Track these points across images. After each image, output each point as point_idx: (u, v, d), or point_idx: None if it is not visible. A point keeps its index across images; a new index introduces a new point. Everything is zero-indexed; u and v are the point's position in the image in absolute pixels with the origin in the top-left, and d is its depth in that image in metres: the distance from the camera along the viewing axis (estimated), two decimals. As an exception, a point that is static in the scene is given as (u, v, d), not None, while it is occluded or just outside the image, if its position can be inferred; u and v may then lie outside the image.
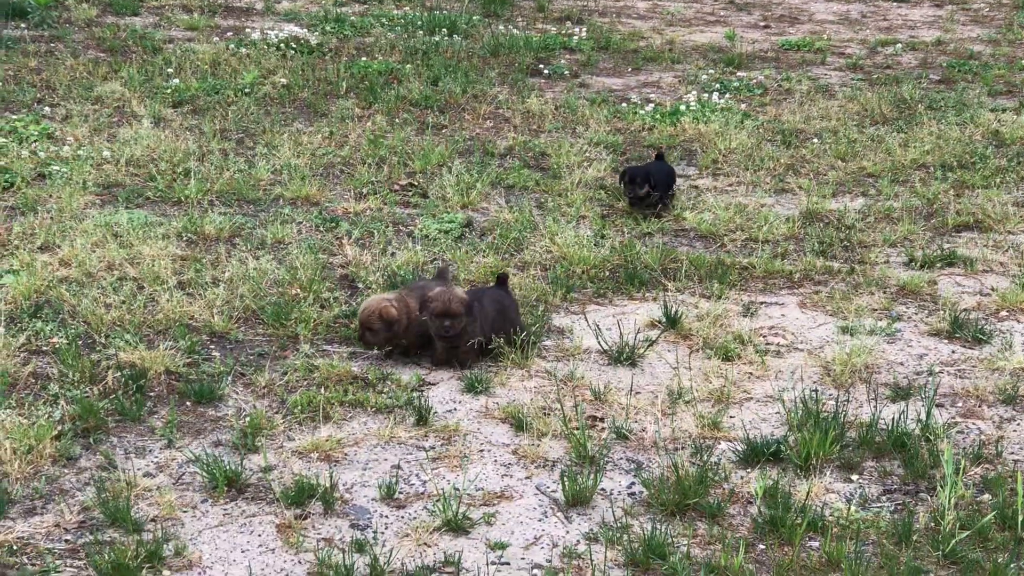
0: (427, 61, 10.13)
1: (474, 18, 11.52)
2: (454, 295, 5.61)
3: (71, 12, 11.20)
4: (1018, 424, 5.46)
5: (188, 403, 5.43)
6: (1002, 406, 5.61)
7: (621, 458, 5.20)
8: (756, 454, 5.20)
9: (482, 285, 5.90)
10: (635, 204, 7.36)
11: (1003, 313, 6.54)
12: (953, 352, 6.12)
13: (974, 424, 5.46)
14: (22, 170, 7.65)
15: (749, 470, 5.13)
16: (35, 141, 8.15)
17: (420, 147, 8.29)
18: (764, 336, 6.26)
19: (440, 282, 5.99)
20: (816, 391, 5.60)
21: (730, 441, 5.35)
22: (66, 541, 4.57)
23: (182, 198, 7.42)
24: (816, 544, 4.62)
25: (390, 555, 4.49)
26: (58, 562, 4.45)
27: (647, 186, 7.27)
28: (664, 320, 6.30)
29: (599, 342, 6.06)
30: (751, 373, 5.88)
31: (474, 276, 6.61)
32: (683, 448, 5.26)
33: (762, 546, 4.65)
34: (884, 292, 6.73)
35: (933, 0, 12.99)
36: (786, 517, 4.68)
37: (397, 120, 8.88)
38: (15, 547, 4.51)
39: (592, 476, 4.94)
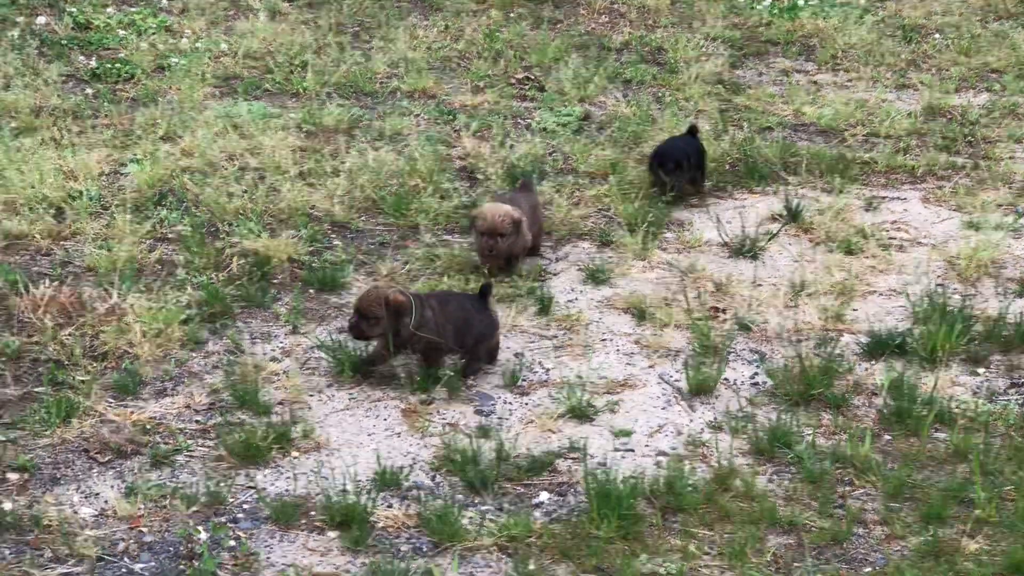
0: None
1: None
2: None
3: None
4: None
5: (311, 291, 5.49)
6: None
7: (743, 349, 5.22)
8: (880, 346, 5.21)
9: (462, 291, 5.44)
10: (665, 188, 6.58)
11: None
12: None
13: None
14: (142, 62, 7.72)
15: (873, 362, 5.14)
16: (153, 34, 8.20)
17: (536, 41, 8.28)
18: (887, 230, 6.22)
19: (525, 194, 5.93)
20: (941, 285, 5.56)
21: (853, 334, 5.35)
22: (196, 422, 4.68)
23: (300, 90, 7.47)
24: (943, 436, 4.63)
25: (515, 440, 4.54)
26: (189, 441, 4.55)
27: (677, 170, 6.52)
28: (785, 213, 6.26)
29: (720, 234, 6.04)
30: (874, 267, 5.86)
31: (593, 168, 6.59)
32: (806, 340, 5.24)
33: (888, 437, 4.67)
34: (1009, 188, 6.66)
35: None
36: (912, 409, 4.70)
37: (512, 14, 8.84)
38: (148, 426, 4.61)
39: (715, 366, 4.96)
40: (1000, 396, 4.90)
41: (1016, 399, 4.88)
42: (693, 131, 6.68)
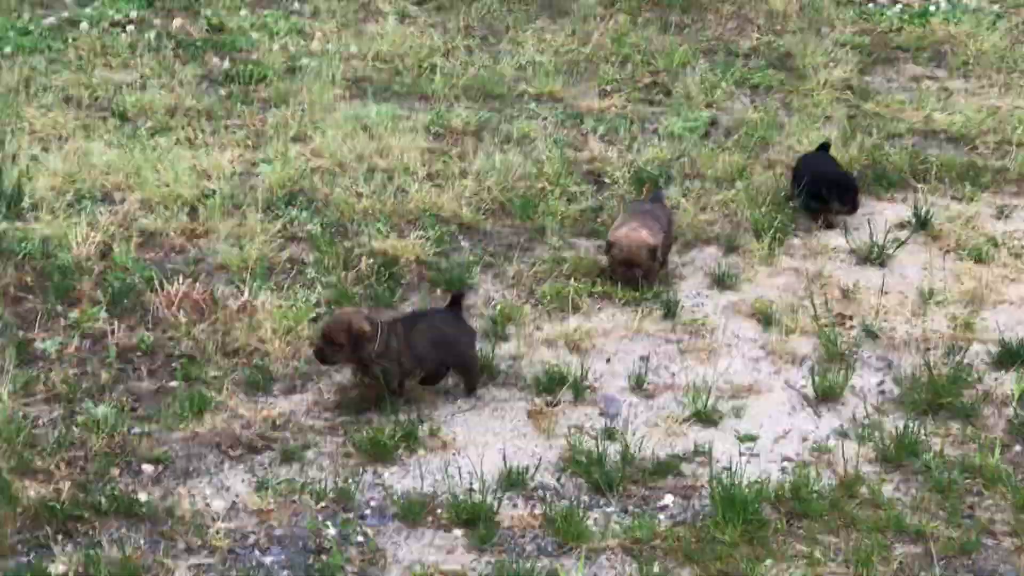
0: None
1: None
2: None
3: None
4: None
5: (438, 291, 5.50)
6: None
7: (871, 356, 5.20)
8: (1011, 356, 5.16)
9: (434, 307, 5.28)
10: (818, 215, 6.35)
11: None
12: None
13: None
14: (273, 64, 7.79)
15: (1004, 372, 5.08)
16: (285, 36, 8.27)
17: (663, 46, 8.25)
18: (1019, 239, 6.11)
19: (656, 205, 5.88)
20: (1077, 294, 5.52)
21: (983, 343, 5.28)
22: (325, 419, 4.71)
23: (428, 93, 7.49)
24: (1076, 447, 4.58)
25: (640, 443, 4.55)
26: (318, 438, 4.59)
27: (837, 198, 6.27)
28: (914, 221, 6.18)
29: (847, 241, 6.00)
30: (1005, 276, 5.79)
31: (720, 173, 6.57)
32: (934, 348, 5.20)
33: (1018, 448, 4.62)
34: None
35: None
36: (1044, 420, 4.65)
37: (640, 19, 8.80)
38: (277, 422, 4.67)
39: (842, 373, 4.94)
40: None
41: None
42: (826, 147, 6.55)
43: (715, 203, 6.28)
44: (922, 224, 6.13)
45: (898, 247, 5.94)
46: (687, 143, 6.89)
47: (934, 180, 6.58)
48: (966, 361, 5.07)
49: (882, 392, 4.94)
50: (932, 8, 9.03)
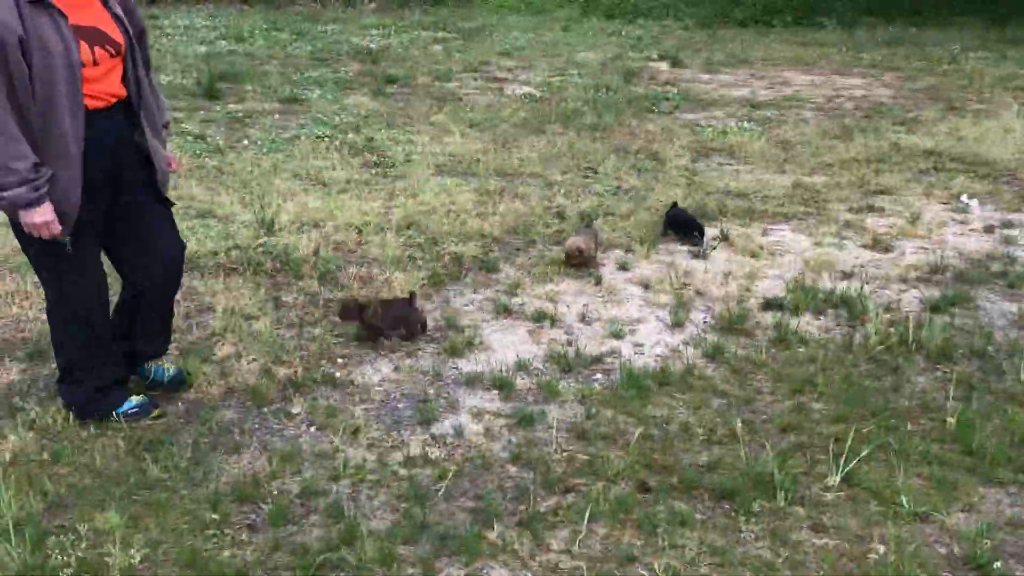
0: (595, 105, 9.97)
1: (620, 81, 11.27)
2: (352, 298, 4.73)
3: (418, 81, 11.25)
4: None
5: (483, 272, 5.50)
6: None
7: (700, 305, 5.08)
8: (770, 305, 5.00)
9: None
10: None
11: None
12: None
13: None
14: (397, 157, 7.77)
15: (766, 313, 5.00)
16: (403, 143, 8.27)
17: (593, 149, 8.18)
18: (775, 247, 6.01)
19: (588, 228, 5.80)
20: None
21: (756, 298, 5.14)
22: (427, 334, 4.71)
23: (475, 172, 7.44)
24: None
25: (585, 347, 4.56)
26: (425, 344, 4.57)
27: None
28: (720, 236, 5.99)
29: (687, 248, 5.93)
30: (767, 265, 5.62)
31: (622, 212, 6.50)
32: (731, 301, 5.09)
33: (774, 351, 4.58)
34: None
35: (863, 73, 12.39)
36: None
37: (580, 135, 8.74)
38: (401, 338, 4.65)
39: (685, 313, 4.93)
40: None
41: None
42: (675, 204, 6.24)
43: (619, 227, 6.23)
44: (724, 238, 6.02)
45: (712, 250, 5.86)
46: (605, 198, 6.85)
47: (730, 215, 6.50)
48: (747, 307, 5.05)
49: (705, 323, 4.89)
50: (727, 129, 8.99)
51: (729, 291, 5.28)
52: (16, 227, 3.31)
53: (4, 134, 3.03)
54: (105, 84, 3.30)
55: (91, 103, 3.24)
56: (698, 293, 5.25)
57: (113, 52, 3.30)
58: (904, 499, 3.29)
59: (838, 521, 3.22)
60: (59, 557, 2.84)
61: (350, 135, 8.44)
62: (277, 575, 2.92)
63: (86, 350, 3.62)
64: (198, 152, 7.73)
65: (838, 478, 3.41)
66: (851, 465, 3.46)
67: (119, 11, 3.37)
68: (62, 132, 3.13)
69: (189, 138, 8.21)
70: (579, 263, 5.50)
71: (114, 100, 3.36)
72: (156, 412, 3.78)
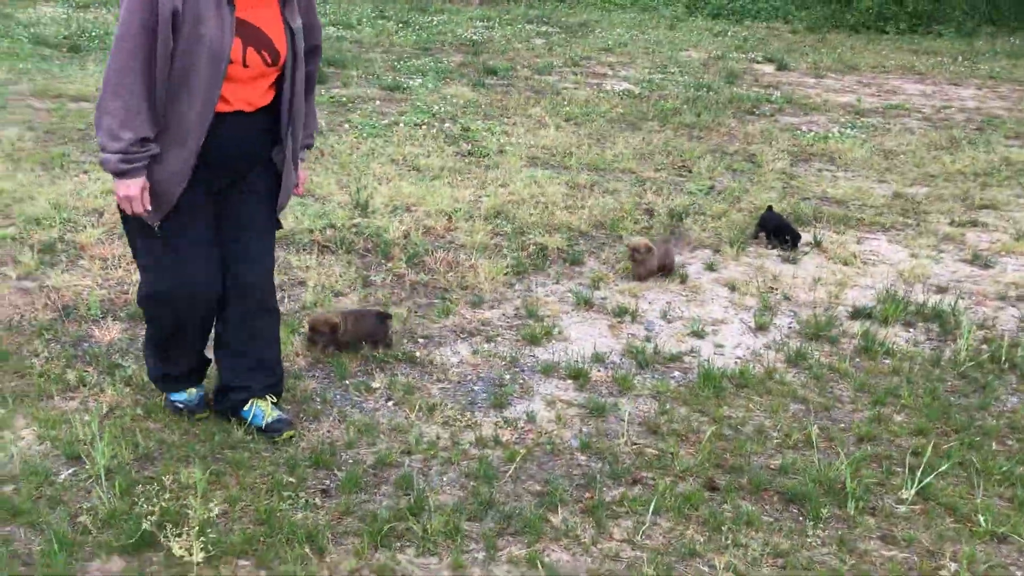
0: (694, 104, 9.91)
1: (722, 82, 11.16)
2: (323, 317, 4.25)
3: (518, 73, 11.33)
4: None
5: (567, 264, 5.53)
6: None
7: (786, 309, 5.02)
8: (858, 313, 4.93)
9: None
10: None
11: None
12: None
13: None
14: (491, 147, 7.86)
15: (854, 321, 4.90)
16: (498, 134, 8.35)
17: (688, 148, 8.14)
18: (867, 255, 5.87)
19: (671, 236, 5.73)
20: None
21: (844, 306, 5.07)
22: (506, 322, 4.76)
23: (567, 166, 7.48)
24: None
25: (664, 345, 4.56)
26: (504, 331, 4.64)
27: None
28: (813, 242, 5.88)
29: (778, 251, 5.85)
30: (858, 272, 5.52)
31: (712, 212, 6.44)
32: (818, 307, 5.03)
33: (858, 359, 4.50)
34: None
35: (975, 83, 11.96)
36: None
37: (676, 133, 8.71)
38: (484, 322, 4.72)
39: (769, 316, 4.87)
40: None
41: None
42: (771, 208, 6.09)
43: (709, 227, 6.20)
44: (817, 244, 5.94)
45: (804, 255, 5.80)
46: (697, 197, 6.81)
47: (825, 222, 6.41)
48: (834, 315, 4.97)
49: (791, 327, 4.84)
50: (828, 134, 8.82)
51: (817, 297, 5.20)
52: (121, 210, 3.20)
53: (126, 101, 2.91)
54: (249, 90, 3.11)
55: (224, 106, 3.08)
56: (785, 298, 5.19)
57: (269, 61, 3.10)
58: (982, 518, 3.21)
59: (909, 534, 3.16)
60: (144, 505, 3.01)
61: (447, 124, 8.58)
62: (345, 539, 3.03)
63: (165, 344, 3.48)
64: (300, 133, 7.96)
65: (913, 491, 3.34)
66: (928, 479, 3.38)
67: (296, 23, 3.15)
68: (186, 121, 3.00)
69: (292, 119, 8.46)
70: (640, 264, 5.22)
71: (254, 109, 3.16)
72: (201, 415, 3.60)
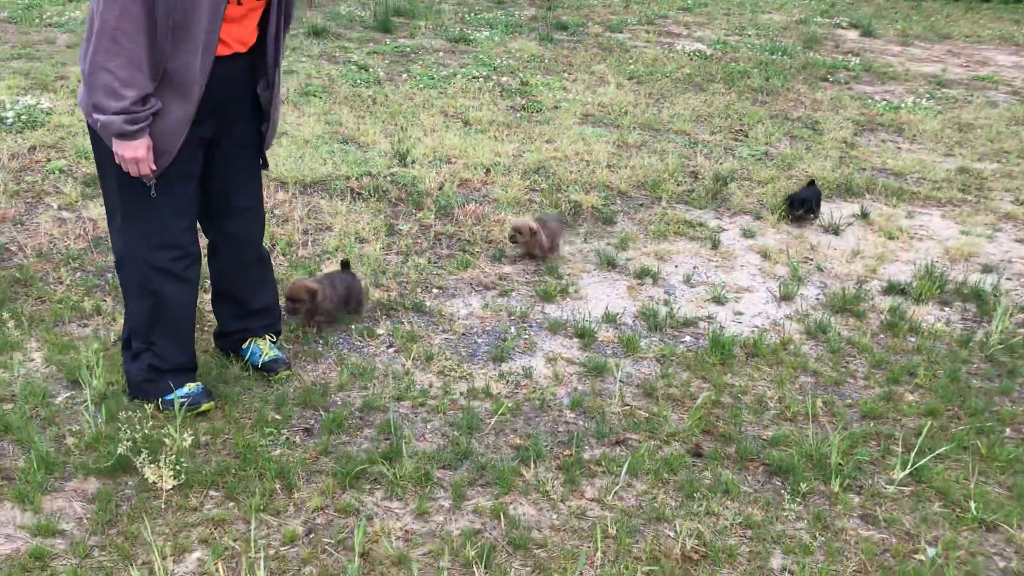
0: (765, 68, 9.61)
1: (799, 46, 10.79)
2: (300, 284, 3.88)
3: (589, 29, 11.16)
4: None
5: (599, 223, 5.46)
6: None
7: (817, 280, 4.87)
8: (891, 289, 4.73)
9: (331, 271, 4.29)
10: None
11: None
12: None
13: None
14: (545, 102, 7.78)
15: (886, 297, 4.72)
16: (556, 89, 8.25)
17: (748, 111, 7.92)
18: (916, 230, 5.63)
19: (551, 217, 5.01)
20: None
21: (879, 280, 4.88)
22: (526, 277, 4.73)
23: (619, 124, 7.36)
24: None
25: (680, 309, 4.48)
26: (521, 287, 4.61)
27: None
28: (859, 213, 5.68)
29: (819, 220, 5.65)
30: (902, 247, 5.30)
31: (761, 178, 6.26)
32: (851, 279, 4.88)
33: (882, 336, 4.33)
34: None
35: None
36: None
37: (742, 96, 8.47)
38: (501, 276, 4.69)
39: (796, 286, 4.72)
40: None
41: None
42: (812, 182, 5.83)
43: (754, 193, 6.04)
44: (864, 215, 5.74)
45: (847, 226, 5.61)
46: (747, 162, 6.63)
47: (877, 194, 6.18)
48: (866, 289, 4.81)
49: (817, 299, 4.70)
50: (901, 104, 8.46)
51: (852, 270, 5.03)
52: (99, 154, 3.00)
53: (125, 55, 2.72)
54: (241, 28, 3.01)
55: (223, 49, 2.97)
56: (819, 268, 5.03)
57: None
58: (973, 504, 3.07)
59: (892, 515, 3.04)
60: (126, 431, 3.10)
61: (505, 78, 8.50)
62: (317, 478, 3.07)
63: (149, 322, 3.23)
64: (357, 82, 8.00)
65: (906, 471, 3.22)
66: (923, 461, 3.25)
67: None
68: (189, 69, 2.84)
69: (353, 67, 8.51)
70: (524, 246, 4.80)
71: (243, 49, 3.07)
72: (205, 406, 3.31)
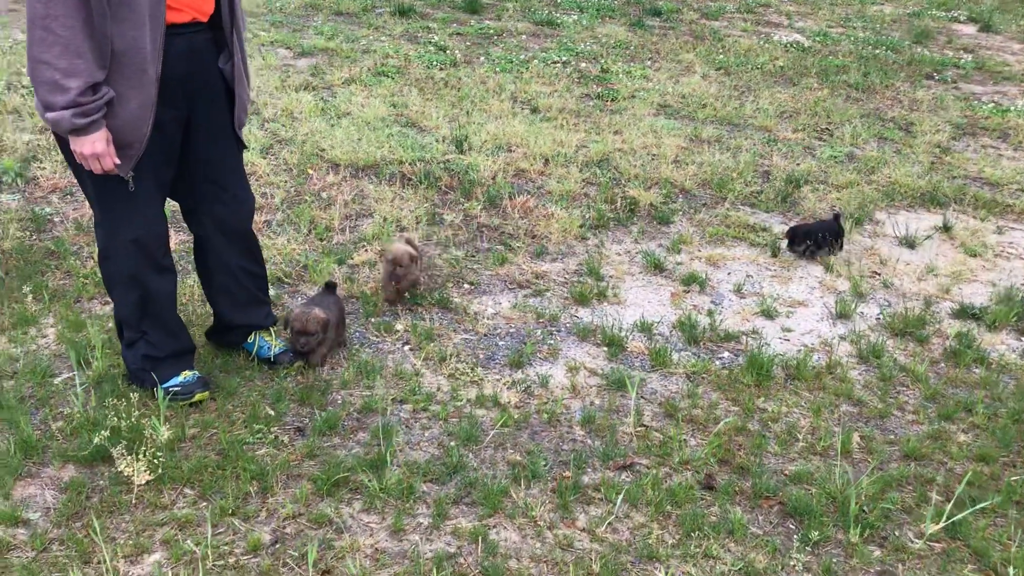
0: (865, 63, 9.05)
1: (904, 42, 10.16)
2: (311, 315, 3.44)
3: (683, 15, 10.75)
4: None
5: (654, 222, 5.19)
6: None
7: (881, 298, 4.49)
8: (963, 312, 4.31)
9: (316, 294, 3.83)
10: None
11: None
12: None
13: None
14: (622, 91, 7.49)
15: (957, 320, 4.32)
16: (637, 78, 7.93)
17: (839, 109, 7.44)
18: (1004, 247, 5.15)
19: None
20: None
21: (952, 302, 4.47)
22: (565, 277, 4.50)
23: (695, 117, 7.02)
24: None
25: (724, 321, 4.19)
26: (556, 287, 4.39)
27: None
28: (942, 226, 5.23)
29: (895, 231, 5.24)
30: (984, 266, 4.86)
31: (838, 183, 5.85)
32: (918, 299, 4.50)
33: (942, 364, 3.94)
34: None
35: None
36: None
37: (836, 93, 7.98)
38: (538, 274, 4.47)
39: (854, 303, 4.36)
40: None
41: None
42: (837, 216, 4.83)
43: (828, 198, 5.64)
44: (946, 228, 5.29)
45: (925, 239, 5.16)
46: (827, 164, 6.20)
47: (965, 205, 5.68)
48: (934, 309, 4.41)
49: (878, 319, 4.33)
50: (1011, 107, 7.81)
51: (923, 288, 4.62)
52: (66, 149, 2.77)
53: (62, 43, 2.49)
54: None
55: (175, 16, 2.74)
56: (885, 285, 4.64)
57: None
58: (1012, 571, 2.72)
59: (914, 575, 2.72)
60: (113, 418, 3.03)
61: (585, 64, 8.23)
62: (297, 483, 2.94)
63: (137, 312, 3.11)
64: (432, 63, 7.86)
65: (939, 525, 2.88)
66: (962, 514, 2.91)
67: None
68: (139, 47, 2.62)
69: (431, 48, 8.37)
70: (403, 279, 4.00)
71: (202, 17, 2.86)
72: (199, 395, 3.19)
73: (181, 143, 3.00)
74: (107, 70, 2.62)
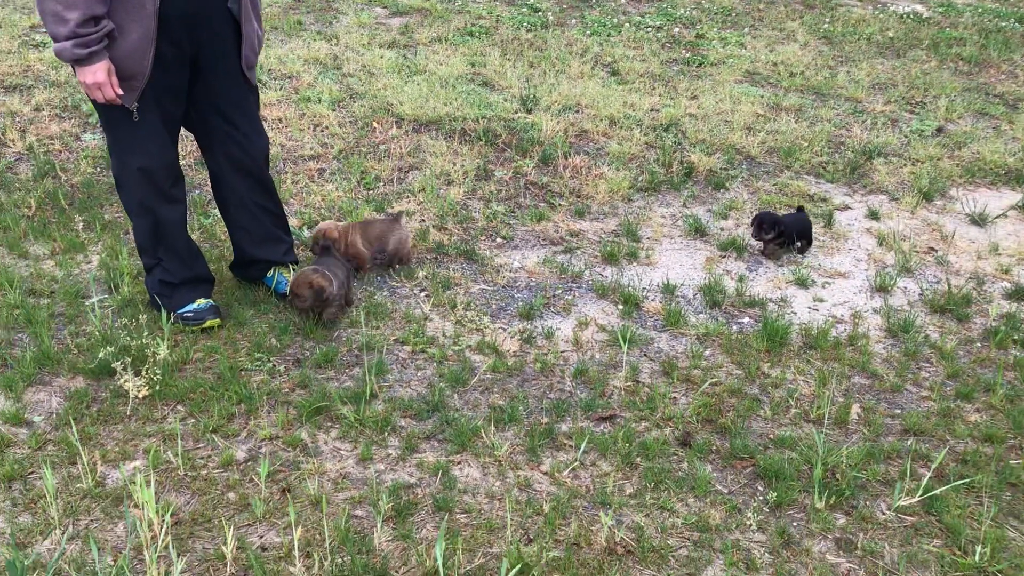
0: (986, 35, 8.50)
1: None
2: (303, 279, 3.42)
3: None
4: None
5: (709, 188, 5.11)
6: None
7: (931, 275, 4.32)
8: (1019, 293, 4.11)
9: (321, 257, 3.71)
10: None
11: None
12: None
13: None
14: (712, 57, 7.33)
15: (1008, 302, 4.10)
16: (732, 44, 7.74)
17: (941, 82, 7.07)
18: None
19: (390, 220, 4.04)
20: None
21: (1011, 282, 4.25)
22: (602, 236, 4.51)
23: (785, 85, 6.81)
24: None
25: (751, 288, 4.11)
26: (588, 245, 4.41)
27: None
28: (1020, 204, 5.05)
29: (964, 206, 4.98)
30: None
31: (915, 156, 5.58)
32: (972, 278, 4.29)
33: (978, 344, 3.77)
34: None
35: None
36: None
37: (944, 64, 7.57)
38: (574, 232, 4.50)
39: (896, 278, 4.20)
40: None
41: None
42: (800, 208, 4.52)
43: (902, 172, 5.42)
44: (1023, 207, 5.03)
45: (997, 217, 4.90)
46: (910, 138, 5.93)
47: (1054, 185, 5.36)
48: (986, 289, 4.19)
49: (920, 294, 4.16)
50: None
51: (980, 267, 4.40)
52: None
53: None
54: None
55: None
56: (939, 262, 4.44)
57: None
58: (980, 549, 2.61)
59: (873, 546, 2.65)
60: (126, 338, 3.26)
61: (679, 29, 8.10)
62: (282, 409, 3.10)
63: (152, 239, 3.27)
64: (521, 23, 7.90)
65: (914, 499, 2.79)
66: (942, 488, 2.81)
67: None
68: None
69: (524, 9, 8.41)
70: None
71: None
72: (210, 322, 3.33)
73: (190, 81, 3.13)
74: (108, 3, 2.76)
